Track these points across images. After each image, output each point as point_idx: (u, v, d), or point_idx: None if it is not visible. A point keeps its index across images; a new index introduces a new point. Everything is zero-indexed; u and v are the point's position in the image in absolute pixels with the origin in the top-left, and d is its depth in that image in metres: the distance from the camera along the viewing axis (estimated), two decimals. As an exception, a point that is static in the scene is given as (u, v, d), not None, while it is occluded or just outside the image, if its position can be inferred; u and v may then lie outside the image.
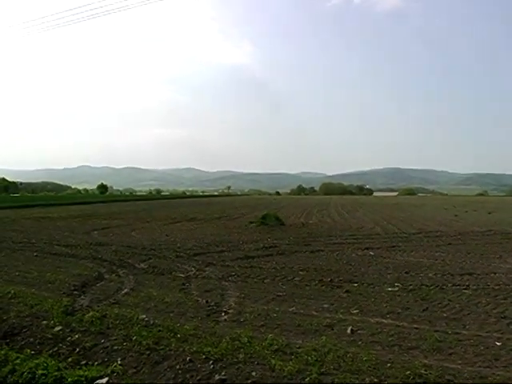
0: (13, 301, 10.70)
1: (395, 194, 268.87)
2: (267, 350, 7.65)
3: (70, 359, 7.48)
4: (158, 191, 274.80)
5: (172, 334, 8.19)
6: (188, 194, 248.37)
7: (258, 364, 7.12)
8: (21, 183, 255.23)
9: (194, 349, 7.57)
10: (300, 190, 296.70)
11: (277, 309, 10.70)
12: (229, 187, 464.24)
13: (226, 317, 9.94)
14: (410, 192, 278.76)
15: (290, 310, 10.67)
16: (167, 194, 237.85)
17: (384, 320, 9.76)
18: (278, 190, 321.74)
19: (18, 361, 7.39)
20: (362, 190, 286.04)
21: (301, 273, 15.36)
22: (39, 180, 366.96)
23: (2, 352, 7.69)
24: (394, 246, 22.01)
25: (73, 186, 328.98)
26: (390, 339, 8.42)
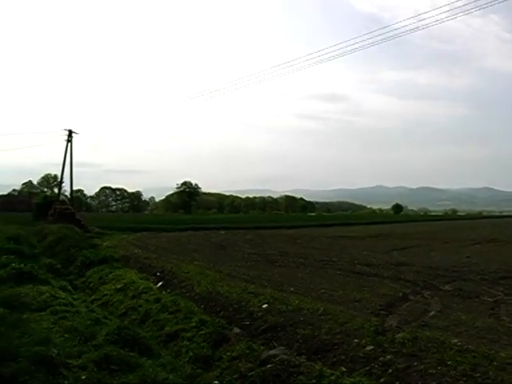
0: (323, 317, 10.91)
1: None
2: None
3: (382, 379, 7.50)
4: (454, 211, 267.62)
5: (488, 362, 7.78)
6: (484, 214, 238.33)
7: None
8: (316, 203, 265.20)
9: (514, 379, 7.15)
10: None
11: None
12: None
13: (543, 347, 9.28)
14: None
15: None
16: (463, 214, 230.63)
17: None
18: None
19: (332, 377, 7.58)
20: None
21: None
22: (335, 200, 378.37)
23: (317, 367, 7.94)
24: None
25: (368, 206, 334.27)
26: None
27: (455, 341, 8.96)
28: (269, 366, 8.21)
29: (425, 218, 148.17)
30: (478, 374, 7.28)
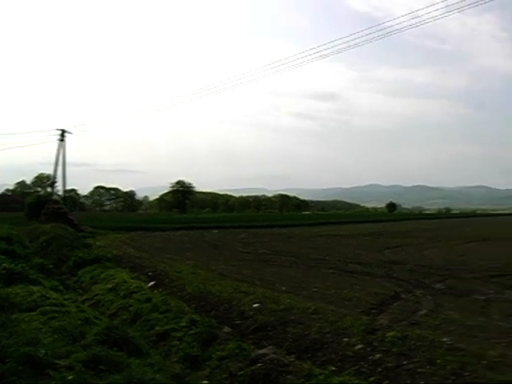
0: (313, 316, 10.90)
1: None
2: None
3: (371, 378, 7.49)
4: (448, 210, 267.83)
5: (477, 360, 7.75)
6: (478, 212, 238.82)
7: None
8: (311, 201, 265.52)
9: (503, 378, 7.09)
10: None
11: None
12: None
13: (534, 345, 9.28)
14: None
15: None
16: (457, 212, 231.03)
17: None
18: None
19: (321, 376, 7.55)
20: None
21: None
22: (329, 199, 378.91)
23: (306, 366, 7.93)
24: None
25: (362, 205, 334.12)
26: None
27: (445, 339, 8.96)
28: (258, 365, 8.19)
29: (419, 216, 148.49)
30: (467, 373, 7.27)
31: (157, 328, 11.63)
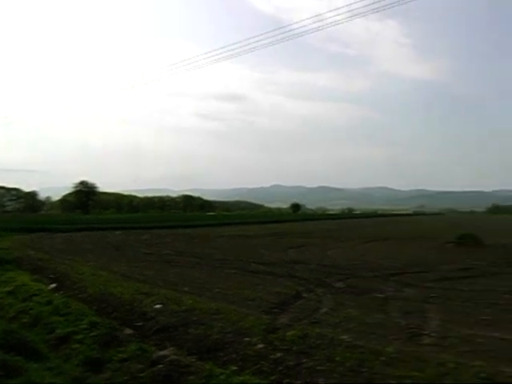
0: (215, 317, 10.93)
1: None
2: (475, 378, 7.24)
3: (272, 377, 7.55)
4: (350, 210, 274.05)
5: (375, 357, 7.97)
6: (380, 212, 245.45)
7: (468, 393, 6.79)
8: (215, 202, 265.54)
9: (399, 373, 7.32)
10: (495, 209, 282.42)
11: (482, 334, 10.18)
12: (421, 206, 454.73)
13: (428, 340, 9.63)
14: None
15: (496, 335, 10.12)
16: (359, 212, 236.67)
17: None
18: (473, 209, 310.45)
19: (222, 376, 7.57)
20: None
21: (505, 296, 14.59)
22: (234, 199, 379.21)
23: (207, 367, 7.93)
24: None
25: (266, 205, 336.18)
26: None
27: (344, 337, 9.16)
28: (159, 366, 8.13)
29: (322, 216, 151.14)
30: (365, 369, 7.45)
31: (57, 331, 11.33)
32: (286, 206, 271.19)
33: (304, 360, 7.97)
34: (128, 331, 10.67)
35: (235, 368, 7.94)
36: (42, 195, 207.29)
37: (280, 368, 7.81)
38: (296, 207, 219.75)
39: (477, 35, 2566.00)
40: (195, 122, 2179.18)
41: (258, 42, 44.16)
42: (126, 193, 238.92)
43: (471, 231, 42.33)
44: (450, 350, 8.82)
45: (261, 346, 8.77)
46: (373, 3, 33.56)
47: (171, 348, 9.12)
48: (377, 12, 33.67)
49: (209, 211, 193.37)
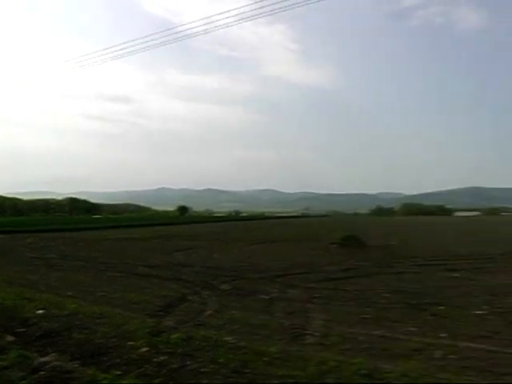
0: (99, 321, 10.70)
1: (477, 213, 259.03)
2: (356, 374, 7.45)
3: (156, 380, 7.49)
4: (237, 212, 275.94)
5: (258, 357, 8.05)
6: (267, 215, 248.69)
7: (348, 389, 6.96)
8: (102, 205, 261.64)
9: (282, 372, 7.42)
10: (379, 211, 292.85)
11: (363, 332, 10.49)
12: (306, 208, 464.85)
13: (311, 340, 9.81)
14: (494, 211, 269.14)
15: (376, 333, 10.45)
16: (245, 215, 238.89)
17: (474, 344, 9.40)
18: (357, 211, 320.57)
19: (105, 381, 7.43)
20: (442, 210, 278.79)
21: (385, 295, 15.10)
22: (121, 202, 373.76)
23: (90, 372, 7.77)
24: (479, 268, 21.41)
25: (153, 208, 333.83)
26: (481, 364, 8.09)
27: (229, 338, 9.19)
28: (41, 373, 7.89)
29: (209, 219, 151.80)
30: (248, 370, 7.50)
31: None
32: (173, 208, 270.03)
33: (188, 362, 7.93)
34: (9, 338, 10.28)
35: (119, 372, 7.81)
36: None
37: (164, 371, 7.74)
38: (183, 210, 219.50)
39: (364, 45, 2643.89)
40: (85, 123, 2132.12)
41: (146, 42, 43.56)
42: (9, 196, 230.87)
43: (354, 233, 43.68)
44: (332, 349, 9.04)
45: (145, 349, 8.66)
46: (261, 7, 33.86)
47: (53, 354, 8.85)
48: (267, 16, 34.04)
49: (96, 214, 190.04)
